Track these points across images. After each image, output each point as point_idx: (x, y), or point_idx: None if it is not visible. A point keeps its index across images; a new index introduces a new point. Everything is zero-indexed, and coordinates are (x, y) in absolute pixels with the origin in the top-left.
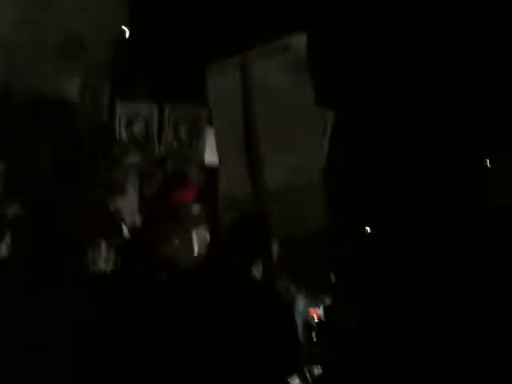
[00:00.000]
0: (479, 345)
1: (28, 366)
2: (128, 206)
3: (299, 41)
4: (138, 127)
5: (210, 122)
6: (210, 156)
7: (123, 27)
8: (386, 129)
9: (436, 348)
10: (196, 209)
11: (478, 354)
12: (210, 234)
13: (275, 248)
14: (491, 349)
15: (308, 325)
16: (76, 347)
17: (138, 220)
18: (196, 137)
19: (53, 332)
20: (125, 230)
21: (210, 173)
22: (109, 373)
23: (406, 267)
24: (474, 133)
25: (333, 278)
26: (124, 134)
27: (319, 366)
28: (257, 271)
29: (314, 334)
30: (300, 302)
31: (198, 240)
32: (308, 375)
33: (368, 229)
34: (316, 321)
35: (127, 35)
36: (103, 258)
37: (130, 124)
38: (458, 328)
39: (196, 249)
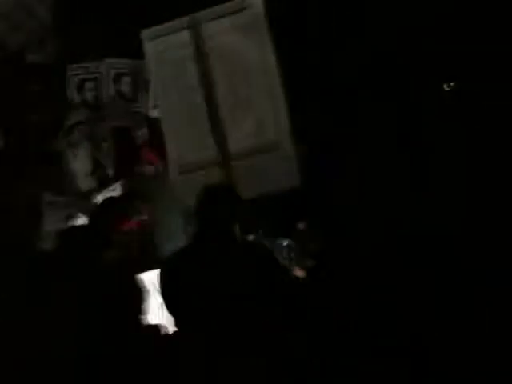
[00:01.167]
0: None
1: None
2: (81, 169)
3: (255, 1)
4: (89, 87)
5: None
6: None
7: None
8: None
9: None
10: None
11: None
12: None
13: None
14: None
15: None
16: None
17: (91, 183)
18: (141, 91)
19: None
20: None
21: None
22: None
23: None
24: None
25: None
26: (76, 96)
27: None
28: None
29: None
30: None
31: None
32: None
33: None
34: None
35: None
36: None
37: (81, 85)
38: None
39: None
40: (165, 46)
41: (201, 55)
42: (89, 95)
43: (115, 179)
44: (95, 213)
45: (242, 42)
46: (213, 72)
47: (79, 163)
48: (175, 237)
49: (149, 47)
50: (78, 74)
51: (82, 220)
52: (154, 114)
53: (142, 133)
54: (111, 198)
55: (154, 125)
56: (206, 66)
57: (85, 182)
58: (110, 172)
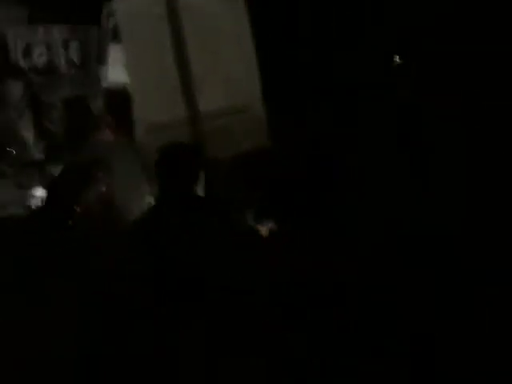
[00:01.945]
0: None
1: None
2: (29, 137)
3: None
4: (37, 52)
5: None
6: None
7: None
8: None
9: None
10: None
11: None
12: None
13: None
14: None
15: None
16: None
17: (41, 152)
18: (94, 58)
19: None
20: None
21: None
22: None
23: None
24: None
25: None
26: (22, 61)
27: None
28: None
29: None
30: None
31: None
32: None
33: None
34: None
35: None
36: None
37: (28, 50)
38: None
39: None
40: (136, 3)
41: (173, 14)
42: (37, 61)
43: (68, 148)
44: (53, 183)
45: (216, 3)
46: (185, 32)
47: (27, 131)
48: (139, 200)
49: (119, 5)
50: (24, 38)
51: (36, 190)
52: (108, 80)
53: (96, 100)
54: (69, 168)
55: (108, 92)
56: (179, 25)
57: (34, 151)
58: (62, 140)
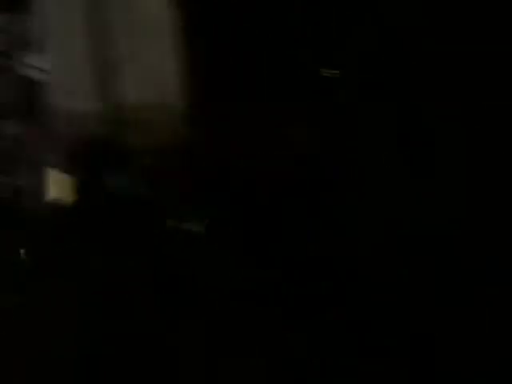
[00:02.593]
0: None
1: None
2: None
3: None
4: None
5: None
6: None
7: None
8: None
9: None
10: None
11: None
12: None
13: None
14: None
15: None
16: None
17: None
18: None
19: None
20: None
21: None
22: None
23: None
24: None
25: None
26: None
27: None
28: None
29: None
30: None
31: None
32: None
33: None
34: None
35: None
36: None
37: None
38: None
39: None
40: None
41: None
42: None
43: None
44: None
45: None
46: (107, 18)
47: None
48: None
49: None
50: None
51: None
52: (28, 71)
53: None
54: None
55: (27, 83)
56: (101, 11)
57: None
58: None
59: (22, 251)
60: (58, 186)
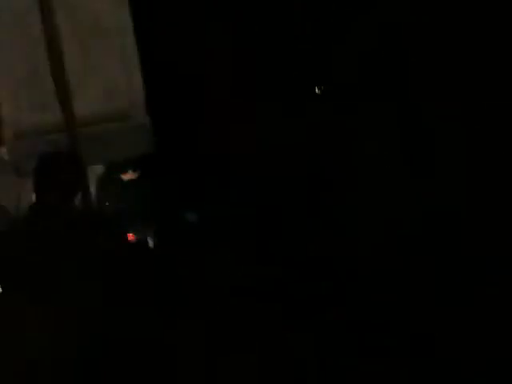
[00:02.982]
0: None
1: None
2: None
3: None
4: None
5: None
6: None
7: None
8: None
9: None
10: None
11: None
12: None
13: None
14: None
15: None
16: None
17: None
18: None
19: None
20: None
21: None
22: None
23: None
24: None
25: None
26: None
27: None
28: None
29: None
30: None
31: None
32: None
33: None
34: None
35: None
36: None
37: None
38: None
39: None
40: None
41: (47, 5)
42: None
43: None
44: None
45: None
46: (60, 26)
47: None
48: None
49: None
50: None
51: None
52: None
53: None
54: None
55: None
56: (53, 18)
57: None
58: None
59: None
60: None
